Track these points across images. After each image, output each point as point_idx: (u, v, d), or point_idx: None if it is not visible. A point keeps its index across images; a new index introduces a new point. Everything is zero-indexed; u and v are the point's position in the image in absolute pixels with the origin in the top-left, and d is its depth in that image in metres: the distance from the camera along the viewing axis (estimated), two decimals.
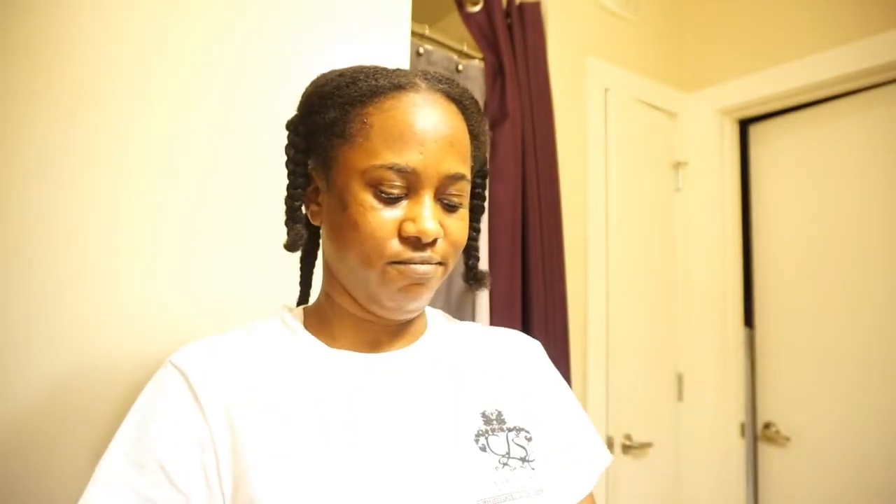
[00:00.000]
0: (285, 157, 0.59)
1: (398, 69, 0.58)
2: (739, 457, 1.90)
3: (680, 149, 2.02)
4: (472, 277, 0.67)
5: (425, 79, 0.56)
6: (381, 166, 0.52)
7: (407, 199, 0.54)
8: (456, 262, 0.59)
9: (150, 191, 0.84)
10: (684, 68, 2.09)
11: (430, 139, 0.53)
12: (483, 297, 1.46)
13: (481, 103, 1.53)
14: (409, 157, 0.52)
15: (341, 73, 0.58)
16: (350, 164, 0.53)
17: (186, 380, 0.54)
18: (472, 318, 1.50)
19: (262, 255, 0.91)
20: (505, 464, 0.57)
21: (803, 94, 1.80)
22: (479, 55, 1.54)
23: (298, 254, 0.69)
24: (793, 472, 1.82)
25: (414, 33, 1.29)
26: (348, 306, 0.59)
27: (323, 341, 0.59)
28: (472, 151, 0.59)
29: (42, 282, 0.75)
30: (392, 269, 0.54)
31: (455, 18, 1.57)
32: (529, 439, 0.60)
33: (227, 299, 0.89)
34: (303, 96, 0.60)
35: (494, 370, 0.65)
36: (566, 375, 1.53)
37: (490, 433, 0.58)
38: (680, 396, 1.95)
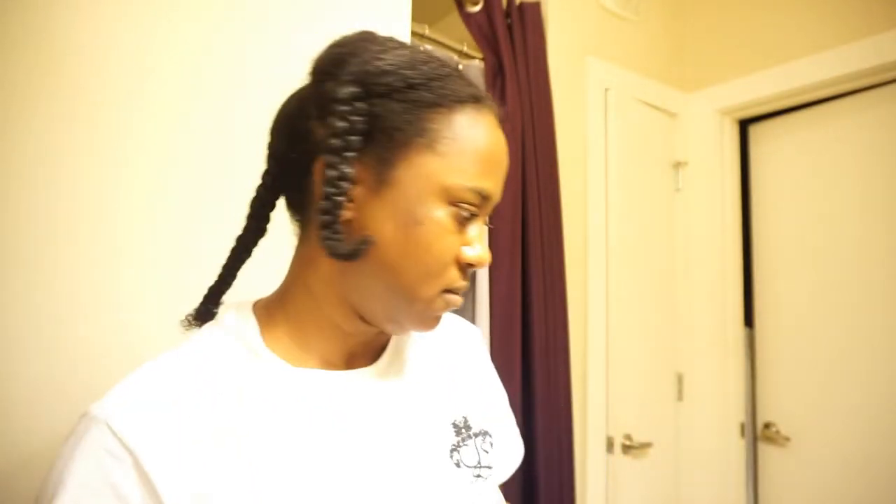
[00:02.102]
0: (329, 136, 0.46)
1: (459, 71, 0.51)
2: (739, 457, 1.90)
3: (680, 149, 2.02)
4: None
5: (488, 94, 0.52)
6: (469, 188, 0.47)
7: (469, 222, 0.49)
8: None
9: (150, 190, 0.84)
10: (684, 68, 2.09)
11: (504, 166, 0.50)
12: (483, 297, 1.46)
13: None
14: (491, 183, 0.48)
15: (420, 59, 0.48)
16: (432, 174, 0.46)
17: (130, 456, 0.41)
18: (473, 318, 1.50)
19: (264, 255, 0.92)
20: (478, 476, 0.54)
21: (803, 94, 1.80)
22: (479, 55, 1.54)
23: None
24: (793, 472, 1.82)
25: (414, 33, 1.29)
26: (340, 319, 0.51)
27: (289, 358, 0.50)
28: None
29: (42, 282, 0.75)
30: (442, 299, 0.49)
31: (455, 18, 1.57)
32: (492, 444, 0.58)
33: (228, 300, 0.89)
34: (368, 65, 0.47)
35: (455, 369, 0.61)
36: (566, 375, 1.53)
37: (461, 444, 0.55)
38: (680, 396, 1.95)
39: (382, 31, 1.10)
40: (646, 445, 1.77)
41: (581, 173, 1.74)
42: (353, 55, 0.47)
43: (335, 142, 0.45)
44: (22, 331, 0.74)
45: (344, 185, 0.46)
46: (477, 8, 1.53)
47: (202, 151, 0.89)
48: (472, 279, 1.50)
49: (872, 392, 1.65)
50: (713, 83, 2.00)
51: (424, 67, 0.47)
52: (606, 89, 1.80)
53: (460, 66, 1.50)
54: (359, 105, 0.46)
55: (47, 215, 0.76)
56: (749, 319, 1.98)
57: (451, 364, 0.62)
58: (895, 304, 1.64)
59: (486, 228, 0.51)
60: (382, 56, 0.47)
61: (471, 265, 0.50)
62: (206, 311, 0.56)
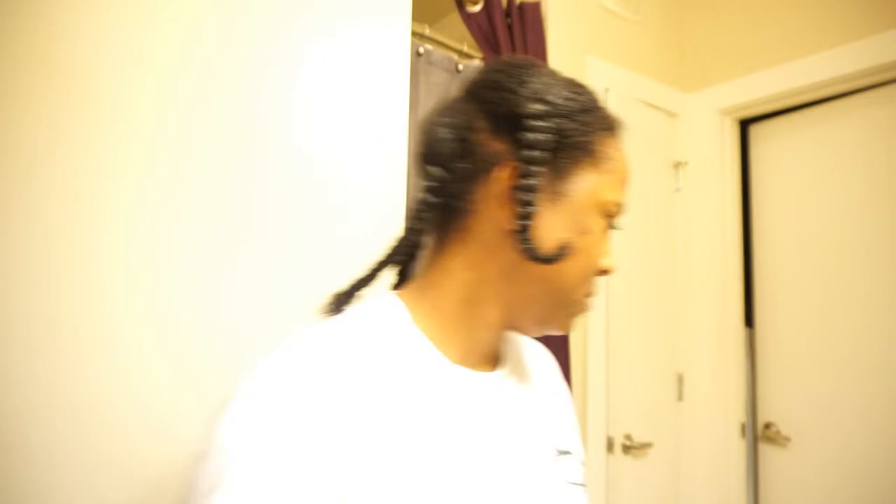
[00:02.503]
0: (523, 148, 0.49)
1: None
2: (739, 457, 1.90)
3: (680, 149, 2.02)
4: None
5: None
6: (616, 202, 0.53)
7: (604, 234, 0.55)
8: None
9: (148, 190, 0.84)
10: (684, 68, 2.09)
11: (629, 175, 0.56)
12: None
13: None
14: (625, 194, 0.55)
15: (584, 87, 0.54)
16: (595, 189, 0.51)
17: (296, 414, 0.43)
18: None
19: (269, 256, 0.91)
20: (574, 486, 0.58)
21: (804, 94, 1.80)
22: (479, 55, 1.54)
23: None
24: (793, 472, 1.82)
25: (414, 33, 1.29)
26: (492, 320, 0.53)
27: (439, 350, 0.52)
28: None
29: (43, 282, 0.75)
30: (584, 303, 0.55)
31: (455, 18, 1.57)
32: (580, 462, 0.61)
33: (228, 300, 0.89)
34: (550, 86, 0.51)
35: (547, 385, 0.65)
36: (566, 375, 1.53)
37: (561, 458, 0.58)
38: (680, 396, 1.94)
39: (383, 30, 1.10)
40: (646, 445, 1.77)
41: None
42: (531, 76, 0.52)
43: (530, 153, 0.49)
44: (19, 330, 0.73)
45: (536, 194, 0.49)
46: (477, 8, 1.53)
47: (201, 152, 0.88)
48: None
49: (873, 392, 1.65)
50: (713, 83, 1.99)
51: (590, 95, 0.54)
52: (606, 89, 1.80)
53: (460, 67, 1.50)
54: (548, 122, 0.50)
55: (41, 214, 0.76)
56: (749, 319, 1.98)
57: (545, 379, 0.65)
58: (895, 303, 1.63)
59: (611, 239, 0.57)
60: (556, 80, 0.52)
61: (604, 272, 0.55)
62: (344, 300, 0.57)
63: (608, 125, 0.53)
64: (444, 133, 0.52)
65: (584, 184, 0.51)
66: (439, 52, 1.47)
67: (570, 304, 0.53)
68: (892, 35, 1.58)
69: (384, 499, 0.42)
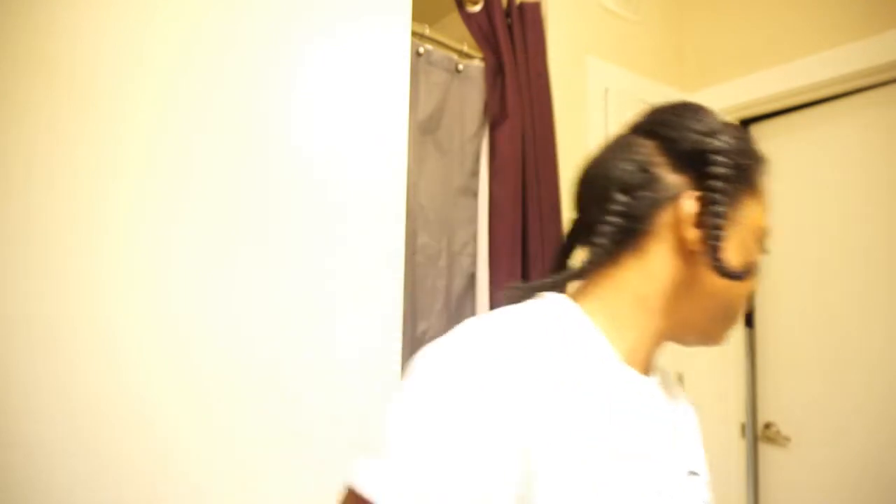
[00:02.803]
0: (715, 180, 0.56)
1: None
2: (739, 457, 1.90)
3: None
4: None
5: None
6: (768, 230, 0.61)
7: None
8: None
9: (148, 190, 0.84)
10: (684, 68, 2.09)
11: None
12: (483, 298, 1.46)
13: (481, 104, 1.53)
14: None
15: (741, 129, 0.62)
16: (757, 218, 0.59)
17: (508, 365, 0.46)
18: None
19: (269, 256, 0.91)
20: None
21: (804, 94, 1.80)
22: (479, 55, 1.54)
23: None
24: (793, 472, 1.82)
25: (414, 33, 1.29)
26: (661, 328, 0.59)
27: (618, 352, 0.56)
28: None
29: (43, 282, 0.75)
30: (737, 321, 0.62)
31: (455, 18, 1.57)
32: (706, 484, 0.64)
33: (227, 300, 0.89)
34: (731, 139, 0.58)
35: (682, 407, 0.68)
36: None
37: (691, 478, 0.60)
38: None
39: (383, 30, 1.10)
40: None
41: None
42: (704, 116, 0.60)
43: (716, 184, 0.55)
44: (19, 330, 0.73)
45: (724, 220, 0.55)
46: (477, 8, 1.53)
47: (201, 152, 0.88)
48: (472, 281, 1.50)
49: (873, 392, 1.65)
50: (714, 83, 1.99)
51: (747, 132, 0.61)
52: (606, 89, 1.80)
53: (460, 67, 1.50)
54: (728, 158, 0.56)
55: (41, 214, 0.76)
56: (749, 319, 1.98)
57: (678, 397, 0.69)
58: (895, 303, 1.63)
59: None
60: (721, 120, 0.60)
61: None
62: (524, 295, 0.61)
63: (762, 160, 0.61)
64: (627, 166, 0.58)
65: (750, 211, 0.58)
66: (439, 52, 1.47)
67: (732, 317, 0.60)
68: (892, 35, 1.58)
69: (559, 467, 0.45)
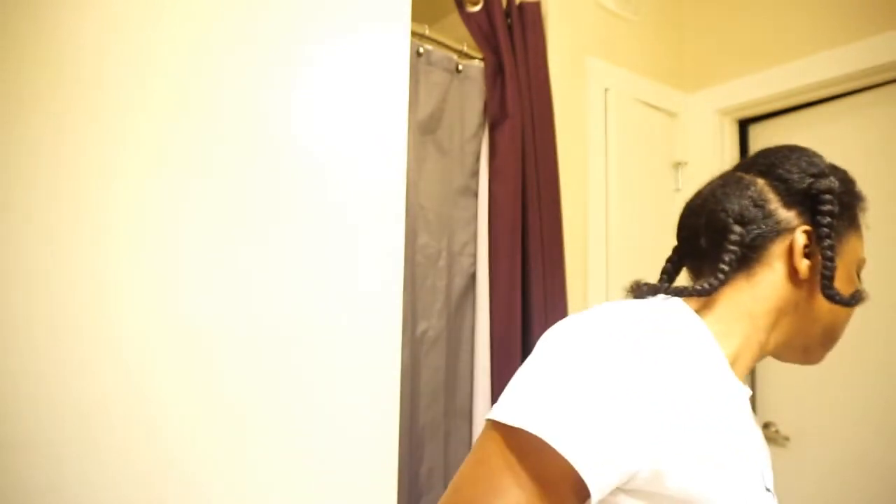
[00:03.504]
0: (825, 216, 0.63)
1: None
2: None
3: (680, 149, 2.02)
4: None
5: None
6: (863, 260, 0.68)
7: None
8: None
9: (149, 190, 0.84)
10: (684, 68, 2.09)
11: None
12: (483, 298, 1.46)
13: (481, 104, 1.53)
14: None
15: (842, 169, 0.69)
16: (856, 250, 0.67)
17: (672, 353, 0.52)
18: (472, 319, 1.50)
19: (274, 255, 0.92)
20: None
21: (803, 94, 1.80)
22: (479, 55, 1.54)
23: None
24: (793, 471, 1.82)
25: (414, 33, 1.29)
26: (763, 343, 0.64)
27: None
28: None
29: (40, 285, 0.75)
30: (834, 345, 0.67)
31: (455, 18, 1.57)
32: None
33: (230, 300, 0.89)
34: (837, 180, 0.65)
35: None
36: None
37: (766, 491, 0.60)
38: None
39: (383, 31, 1.10)
40: None
41: (581, 173, 1.74)
42: (816, 157, 0.67)
43: (828, 220, 0.62)
44: (17, 331, 0.74)
45: (835, 252, 0.62)
46: (477, 8, 1.53)
47: (201, 153, 0.88)
48: (472, 281, 1.50)
49: (873, 392, 1.65)
50: (713, 83, 2.00)
51: (846, 172, 0.69)
52: (606, 89, 1.80)
53: (460, 67, 1.50)
54: (836, 197, 0.63)
55: (43, 216, 0.76)
56: None
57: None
58: (894, 303, 1.63)
59: None
60: (825, 160, 0.68)
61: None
62: (646, 292, 0.67)
63: (861, 197, 0.68)
64: (743, 201, 0.65)
65: (852, 245, 0.66)
66: (439, 52, 1.47)
67: (834, 340, 0.67)
68: (892, 35, 1.59)
69: (684, 477, 0.48)
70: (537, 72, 1.57)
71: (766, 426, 1.90)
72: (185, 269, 0.86)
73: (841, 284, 0.63)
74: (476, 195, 1.51)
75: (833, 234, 0.62)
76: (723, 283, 0.63)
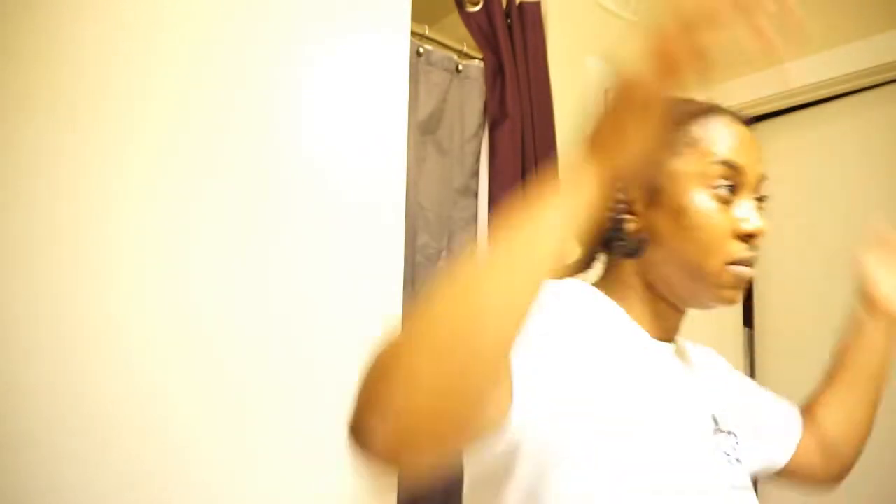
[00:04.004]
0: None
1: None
2: None
3: None
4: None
5: (721, 107, 0.66)
6: (715, 162, 0.60)
7: (733, 201, 0.61)
8: None
9: (151, 191, 0.84)
10: None
11: (746, 143, 0.62)
12: None
13: (481, 104, 1.53)
14: (735, 154, 0.61)
15: None
16: (682, 170, 0.61)
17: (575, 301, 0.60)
18: None
19: (258, 260, 0.92)
20: (733, 461, 0.63)
21: (803, 94, 1.80)
22: (479, 55, 1.54)
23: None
24: None
25: (414, 33, 1.29)
26: (651, 300, 0.65)
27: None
28: None
29: (45, 285, 0.75)
30: (726, 272, 0.60)
31: (455, 18, 1.57)
32: (737, 444, 0.66)
33: (221, 303, 0.89)
34: None
35: (707, 370, 0.73)
36: None
37: (717, 432, 0.64)
38: None
39: (382, 31, 1.10)
40: None
41: None
42: None
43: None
44: (21, 331, 0.74)
45: (622, 216, 0.64)
46: (477, 8, 1.53)
47: (202, 152, 0.89)
48: None
49: None
50: (713, 83, 1.99)
51: None
52: (606, 89, 1.80)
53: (460, 67, 1.50)
54: None
55: (48, 215, 0.76)
56: (749, 319, 1.98)
57: (708, 367, 0.74)
58: None
59: (753, 203, 0.62)
60: None
61: (750, 235, 0.59)
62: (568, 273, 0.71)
63: (681, 119, 0.63)
64: None
65: (671, 177, 0.62)
66: (439, 52, 1.47)
67: (706, 275, 0.60)
68: (892, 35, 1.58)
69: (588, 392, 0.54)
70: (537, 72, 1.57)
71: None
72: (187, 266, 0.86)
73: (667, 224, 0.62)
74: (476, 195, 1.51)
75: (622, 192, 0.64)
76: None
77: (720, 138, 0.62)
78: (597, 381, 0.55)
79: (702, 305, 0.66)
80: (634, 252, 0.64)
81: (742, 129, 0.64)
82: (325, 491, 0.93)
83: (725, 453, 0.63)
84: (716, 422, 0.65)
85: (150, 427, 0.81)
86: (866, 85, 1.69)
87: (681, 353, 0.69)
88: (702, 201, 0.60)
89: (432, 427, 0.37)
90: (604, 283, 0.68)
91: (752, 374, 1.97)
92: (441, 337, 0.38)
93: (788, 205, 1.90)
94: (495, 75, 1.52)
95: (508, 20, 1.56)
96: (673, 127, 0.62)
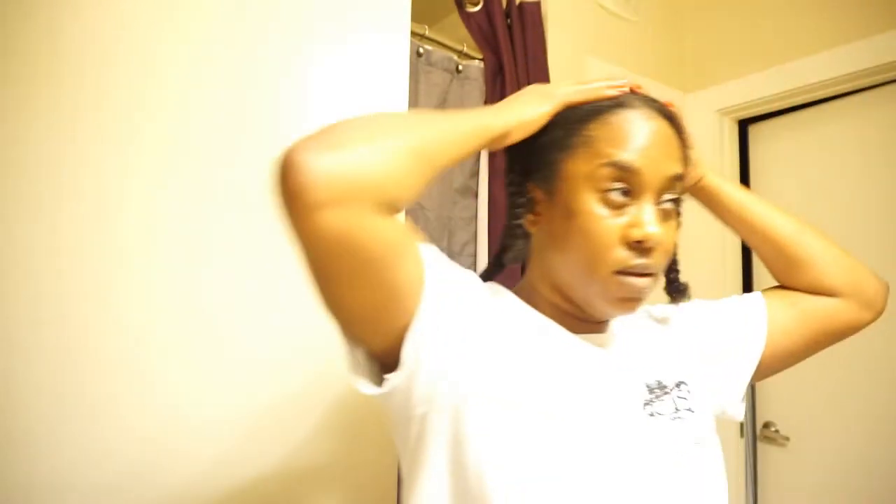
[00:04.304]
0: (507, 179, 0.65)
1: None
2: (739, 457, 1.90)
3: None
4: (675, 290, 0.72)
5: (639, 99, 0.61)
6: (605, 164, 0.56)
7: (629, 206, 0.57)
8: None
9: (153, 191, 0.84)
10: (684, 68, 2.09)
11: (650, 142, 0.57)
12: None
13: (481, 103, 1.53)
14: (629, 155, 0.56)
15: None
16: (574, 171, 0.58)
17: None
18: None
19: (263, 258, 0.92)
20: (677, 418, 0.61)
21: (803, 94, 1.80)
22: (479, 55, 1.54)
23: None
24: (792, 472, 1.82)
25: (414, 33, 1.29)
26: (559, 302, 0.64)
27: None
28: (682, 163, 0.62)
29: (43, 282, 0.75)
30: (614, 281, 0.57)
31: (455, 18, 1.57)
32: (689, 391, 0.65)
33: (225, 303, 0.89)
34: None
35: (650, 341, 0.70)
36: None
37: (655, 400, 0.62)
38: None
39: (383, 31, 1.10)
40: None
41: None
42: None
43: (507, 180, 0.66)
44: (23, 331, 0.74)
45: (517, 210, 0.64)
46: (477, 8, 1.53)
47: (203, 155, 0.89)
48: None
49: (872, 392, 1.65)
50: (713, 83, 1.99)
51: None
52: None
53: (460, 67, 1.50)
54: (522, 148, 0.62)
55: (50, 215, 0.76)
56: None
57: (647, 338, 0.70)
58: (894, 303, 1.63)
59: (651, 208, 0.57)
60: None
61: (639, 242, 0.56)
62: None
63: (583, 114, 0.60)
64: None
65: (563, 174, 0.60)
66: (439, 53, 1.47)
67: (593, 282, 0.58)
68: (892, 35, 1.59)
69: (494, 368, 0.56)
70: (537, 72, 1.57)
71: (765, 426, 1.90)
72: (196, 265, 0.86)
73: (560, 225, 0.61)
74: (476, 195, 1.51)
75: (519, 188, 0.65)
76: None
77: (614, 137, 0.57)
78: (498, 363, 0.56)
79: (599, 314, 0.63)
80: (513, 258, 0.65)
81: (651, 125, 0.58)
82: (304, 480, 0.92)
83: (669, 412, 0.61)
84: (657, 386, 0.63)
85: (151, 429, 0.81)
86: (866, 85, 1.69)
87: (609, 340, 0.67)
88: (590, 205, 0.57)
89: (356, 180, 0.45)
90: (518, 288, 0.68)
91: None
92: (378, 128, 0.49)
93: (788, 205, 1.90)
94: (495, 75, 1.52)
95: (508, 20, 1.56)
96: (572, 125, 0.60)
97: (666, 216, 0.59)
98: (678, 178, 0.59)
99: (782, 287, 0.80)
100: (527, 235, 0.65)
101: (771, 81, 1.84)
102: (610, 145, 0.57)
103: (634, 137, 0.57)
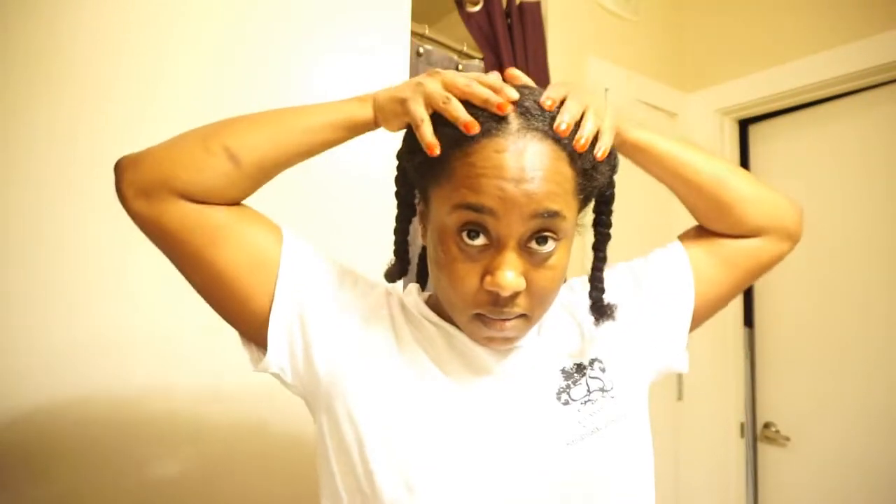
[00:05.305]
0: (395, 188, 0.63)
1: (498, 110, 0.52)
2: (739, 457, 1.90)
3: None
4: (596, 310, 0.65)
5: (520, 116, 0.52)
6: (459, 205, 0.51)
7: (490, 248, 0.52)
8: (549, 308, 0.58)
9: None
10: (684, 68, 2.09)
11: (511, 179, 0.49)
12: None
13: None
14: (485, 198, 0.49)
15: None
16: (438, 204, 0.54)
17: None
18: None
19: None
20: (588, 401, 0.60)
21: (803, 94, 1.80)
22: (479, 55, 1.54)
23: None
24: (793, 472, 1.83)
25: (414, 33, 1.29)
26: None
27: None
28: (579, 186, 0.55)
29: (44, 282, 0.75)
30: (476, 324, 0.55)
31: (455, 18, 1.57)
32: (603, 368, 0.63)
33: None
34: (407, 130, 0.57)
35: (563, 327, 0.67)
36: None
37: (571, 386, 0.61)
38: (679, 396, 1.95)
39: (383, 31, 1.10)
40: None
41: None
42: None
43: (395, 189, 0.64)
44: (22, 329, 0.74)
45: (401, 224, 0.64)
46: (477, 8, 1.53)
47: None
48: None
49: (872, 392, 1.65)
50: (713, 83, 2.00)
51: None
52: (606, 89, 1.80)
53: (460, 67, 1.50)
54: (404, 161, 0.60)
55: (50, 215, 0.76)
56: (749, 319, 1.98)
57: (567, 319, 0.68)
58: (894, 304, 1.64)
59: (510, 255, 0.51)
60: None
61: (489, 292, 0.52)
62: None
63: (446, 142, 0.52)
64: None
65: (433, 202, 0.56)
66: (439, 52, 1.47)
67: (458, 321, 0.57)
68: (892, 35, 1.59)
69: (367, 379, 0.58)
70: (537, 72, 1.57)
71: (765, 426, 1.90)
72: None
73: (431, 250, 0.58)
74: None
75: (403, 198, 0.64)
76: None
77: (471, 175, 0.50)
78: (367, 365, 0.58)
79: (478, 342, 0.59)
80: (386, 275, 0.66)
81: (521, 158, 0.50)
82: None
83: (581, 397, 0.60)
84: (575, 370, 0.62)
85: (155, 430, 0.81)
86: (866, 85, 1.70)
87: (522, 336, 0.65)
88: (449, 244, 0.53)
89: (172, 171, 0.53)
90: (430, 296, 0.67)
91: (753, 374, 1.97)
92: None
93: None
94: None
95: (508, 20, 1.56)
96: (441, 152, 0.52)
97: (541, 258, 0.53)
98: (552, 214, 0.51)
99: (700, 231, 0.78)
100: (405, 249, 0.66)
101: (771, 81, 1.84)
102: (465, 184, 0.50)
103: (494, 175, 0.49)
